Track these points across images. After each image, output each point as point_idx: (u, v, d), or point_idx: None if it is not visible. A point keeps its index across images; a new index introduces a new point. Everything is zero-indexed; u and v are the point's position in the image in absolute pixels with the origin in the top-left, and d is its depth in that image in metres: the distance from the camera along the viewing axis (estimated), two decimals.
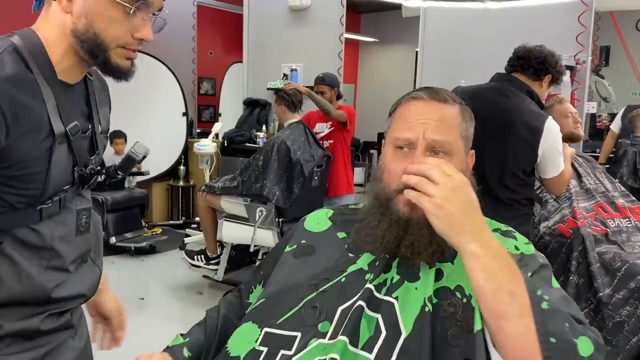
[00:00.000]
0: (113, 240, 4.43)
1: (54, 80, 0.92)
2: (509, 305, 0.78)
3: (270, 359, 0.89)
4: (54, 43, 0.92)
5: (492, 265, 0.79)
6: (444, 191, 0.80)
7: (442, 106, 0.96)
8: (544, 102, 2.26)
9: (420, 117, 0.94)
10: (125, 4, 0.89)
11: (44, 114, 0.89)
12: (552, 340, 0.76)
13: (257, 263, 3.77)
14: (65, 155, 0.95)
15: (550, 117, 2.07)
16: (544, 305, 0.79)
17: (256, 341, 0.93)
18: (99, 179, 1.05)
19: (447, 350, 0.83)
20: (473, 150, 1.01)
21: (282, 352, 0.89)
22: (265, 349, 0.91)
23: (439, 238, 0.86)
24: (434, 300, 0.87)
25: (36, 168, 0.90)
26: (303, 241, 1.05)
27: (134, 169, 4.93)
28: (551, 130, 2.03)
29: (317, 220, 1.09)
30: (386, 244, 0.93)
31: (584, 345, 0.78)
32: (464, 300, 0.87)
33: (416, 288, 0.89)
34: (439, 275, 0.91)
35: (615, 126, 4.69)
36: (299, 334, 0.90)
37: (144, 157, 1.20)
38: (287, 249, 1.06)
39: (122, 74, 0.96)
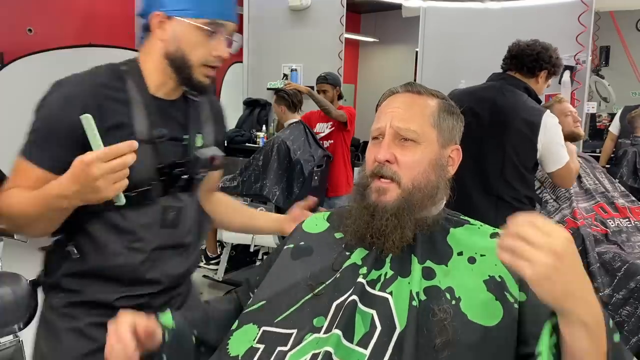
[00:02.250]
0: None
1: (145, 94, 1.14)
2: None
3: (266, 355, 0.90)
4: (150, 66, 1.15)
5: (597, 334, 0.72)
6: (550, 258, 0.66)
7: (414, 97, 1.01)
8: (542, 98, 2.26)
9: (391, 107, 1.00)
10: (206, 28, 1.10)
11: (127, 117, 1.10)
12: None
13: (258, 263, 3.77)
14: (149, 154, 1.11)
15: (547, 111, 2.08)
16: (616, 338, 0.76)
17: (254, 340, 0.93)
18: (183, 179, 1.18)
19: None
20: (458, 146, 1.03)
21: (278, 348, 0.89)
22: (262, 346, 0.91)
23: (406, 222, 0.91)
24: (422, 298, 0.88)
25: None
26: (302, 242, 1.06)
27: None
28: (549, 124, 2.04)
29: (315, 222, 1.10)
30: (356, 230, 0.96)
31: None
32: (453, 302, 0.87)
33: (409, 283, 0.90)
34: (431, 274, 0.91)
35: (614, 128, 4.68)
36: (295, 331, 0.91)
37: (213, 159, 1.22)
38: (286, 247, 1.07)
39: (202, 89, 1.17)
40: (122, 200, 0.98)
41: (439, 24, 4.30)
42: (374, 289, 0.91)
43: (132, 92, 1.12)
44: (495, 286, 0.88)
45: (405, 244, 0.93)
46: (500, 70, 2.27)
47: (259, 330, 0.94)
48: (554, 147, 2.06)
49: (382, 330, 0.85)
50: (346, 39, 4.83)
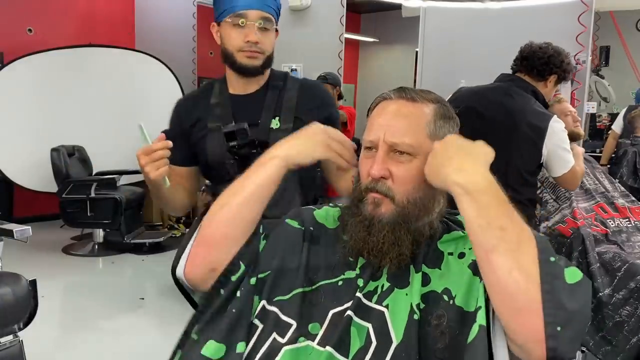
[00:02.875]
0: (128, 238, 4.41)
1: (224, 95, 1.47)
2: (499, 239, 0.78)
3: (263, 337, 0.90)
4: (226, 71, 1.48)
5: (481, 200, 0.81)
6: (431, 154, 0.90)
7: (408, 105, 0.95)
8: (548, 101, 2.26)
9: (384, 118, 0.95)
10: (229, 21, 1.37)
11: (205, 117, 1.45)
12: (552, 259, 0.77)
13: None
14: (221, 140, 1.38)
15: (554, 116, 2.07)
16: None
17: (254, 313, 0.93)
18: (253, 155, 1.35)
19: None
20: None
21: (274, 334, 0.90)
22: (261, 326, 0.92)
23: (404, 239, 0.89)
24: (422, 306, 0.87)
25: (199, 146, 1.45)
26: (311, 228, 1.03)
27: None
28: (556, 129, 2.04)
29: (327, 217, 1.07)
30: (353, 244, 0.94)
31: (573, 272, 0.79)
32: (450, 301, 0.86)
33: (406, 294, 0.89)
34: (426, 280, 0.90)
35: (617, 126, 4.69)
36: (294, 324, 0.90)
37: (242, 129, 1.38)
38: (295, 224, 1.04)
39: (247, 70, 1.41)
40: (167, 183, 1.26)
41: (439, 24, 4.30)
42: (371, 301, 0.90)
43: (214, 96, 1.47)
44: (477, 266, 0.86)
45: (403, 262, 0.91)
46: (503, 70, 2.26)
47: (260, 302, 0.94)
48: (560, 152, 2.06)
49: (378, 345, 0.85)
50: (346, 39, 4.84)
